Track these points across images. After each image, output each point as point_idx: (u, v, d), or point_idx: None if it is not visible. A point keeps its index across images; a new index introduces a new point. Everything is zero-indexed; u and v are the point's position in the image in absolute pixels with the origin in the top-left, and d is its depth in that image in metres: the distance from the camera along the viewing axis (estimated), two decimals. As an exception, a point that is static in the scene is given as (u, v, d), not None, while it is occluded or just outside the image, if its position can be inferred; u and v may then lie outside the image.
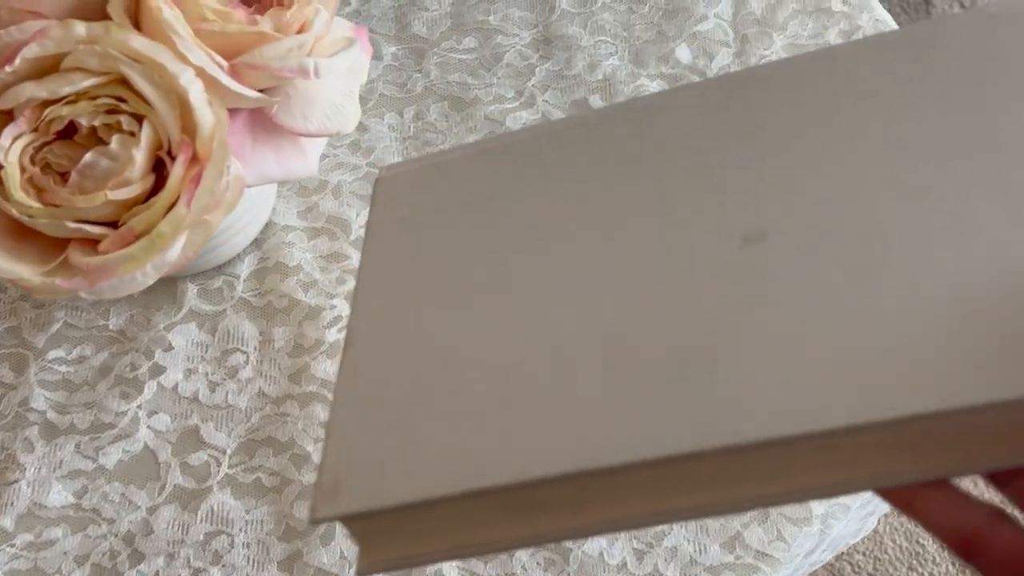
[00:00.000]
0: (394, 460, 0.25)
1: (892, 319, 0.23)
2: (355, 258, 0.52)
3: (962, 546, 0.24)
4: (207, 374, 0.49)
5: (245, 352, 0.50)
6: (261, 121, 0.40)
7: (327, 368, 0.49)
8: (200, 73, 0.35)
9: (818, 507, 0.46)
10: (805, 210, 0.26)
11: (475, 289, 0.28)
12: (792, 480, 0.23)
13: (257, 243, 0.53)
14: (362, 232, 0.53)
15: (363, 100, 0.59)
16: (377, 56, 0.60)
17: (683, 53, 0.61)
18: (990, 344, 0.21)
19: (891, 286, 0.23)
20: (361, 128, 0.57)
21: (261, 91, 0.39)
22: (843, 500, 0.46)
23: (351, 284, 0.51)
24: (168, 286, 0.51)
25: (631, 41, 0.62)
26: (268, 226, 0.53)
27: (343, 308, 0.51)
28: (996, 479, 0.24)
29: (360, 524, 0.25)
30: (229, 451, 0.47)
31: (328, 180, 0.55)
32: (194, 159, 0.36)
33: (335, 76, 0.41)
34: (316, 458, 0.47)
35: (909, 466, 0.22)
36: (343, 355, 0.29)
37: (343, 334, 0.50)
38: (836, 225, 0.25)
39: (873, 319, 0.23)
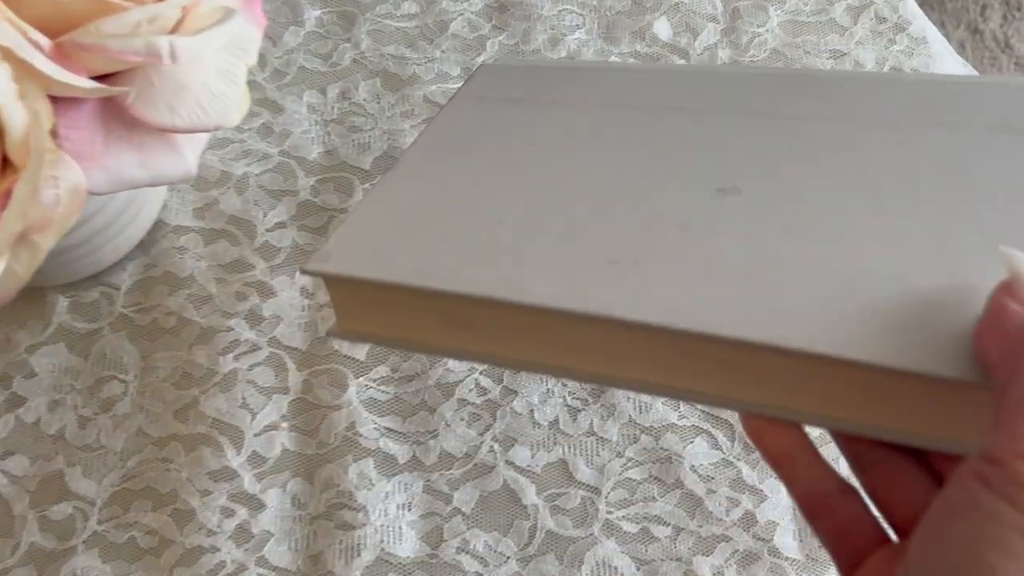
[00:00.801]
0: (378, 250, 0.31)
1: (796, 273, 0.27)
2: (260, 268, 0.44)
3: (809, 505, 0.27)
4: (76, 407, 0.41)
5: (124, 381, 0.41)
6: (117, 113, 0.31)
7: (220, 405, 0.41)
8: (6, 56, 0.26)
9: None
10: (780, 186, 0.31)
11: (504, 163, 0.35)
12: (658, 374, 0.28)
13: (143, 246, 0.44)
14: (269, 237, 0.44)
15: (279, 75, 0.50)
16: (297, 21, 0.51)
17: (662, 28, 0.52)
18: (862, 316, 0.25)
19: (810, 251, 0.28)
20: (274, 108, 0.48)
21: (110, 76, 0.30)
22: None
23: (254, 301, 0.43)
24: (33, 298, 0.43)
25: (601, 12, 0.53)
26: (157, 226, 0.44)
27: (242, 331, 0.42)
28: (858, 465, 0.27)
29: (337, 291, 0.32)
30: (99, 503, 0.39)
31: (231, 172, 0.46)
32: (6, 166, 0.27)
33: (212, 56, 0.32)
34: (201, 516, 0.39)
35: (759, 398, 0.27)
36: (388, 172, 0.36)
37: (240, 362, 0.42)
38: (798, 202, 0.30)
39: (782, 269, 0.28)
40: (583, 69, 0.41)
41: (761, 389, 0.27)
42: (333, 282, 0.32)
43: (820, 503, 0.27)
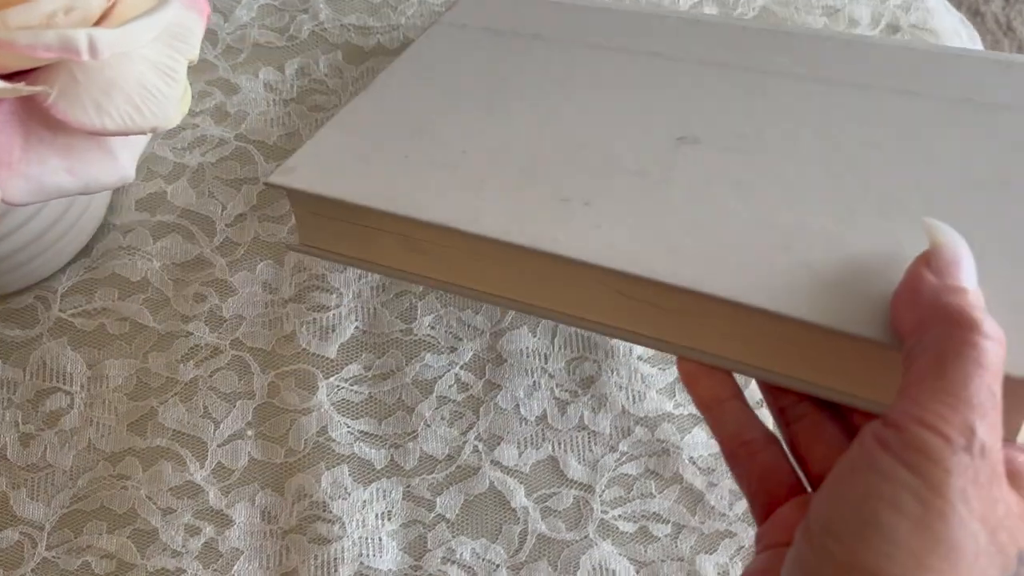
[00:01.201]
0: (341, 168, 0.32)
1: (739, 225, 0.28)
2: (219, 266, 0.41)
3: (732, 450, 0.29)
4: (17, 423, 0.38)
5: (69, 392, 0.38)
6: (38, 115, 0.28)
7: (180, 416, 0.38)
8: None
9: None
10: (739, 139, 0.32)
11: (476, 94, 0.36)
12: (597, 312, 0.30)
13: (86, 247, 0.40)
14: (229, 232, 0.41)
15: (232, 52, 0.46)
16: (249, -6, 0.47)
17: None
18: (794, 271, 0.26)
19: (755, 204, 0.29)
20: (228, 88, 0.45)
21: (28, 72, 0.27)
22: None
23: (213, 301, 0.40)
24: (-32, 306, 0.39)
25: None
26: (104, 227, 0.41)
27: (203, 335, 0.39)
28: (783, 418, 0.29)
29: (299, 206, 0.33)
30: (48, 527, 0.36)
31: (184, 162, 0.42)
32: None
33: (145, 50, 0.28)
34: (164, 536, 0.36)
35: (691, 343, 0.28)
36: (359, 93, 0.37)
37: (201, 369, 0.38)
38: (754, 155, 0.31)
39: (726, 220, 0.29)
40: (569, 5, 0.41)
41: (693, 335, 0.28)
42: (296, 197, 0.33)
43: (742, 449, 0.28)
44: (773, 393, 0.29)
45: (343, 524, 0.36)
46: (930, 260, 0.24)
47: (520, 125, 0.34)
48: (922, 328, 0.22)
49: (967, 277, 0.23)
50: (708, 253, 0.27)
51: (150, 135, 0.30)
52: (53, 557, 0.36)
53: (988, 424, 0.20)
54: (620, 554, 0.36)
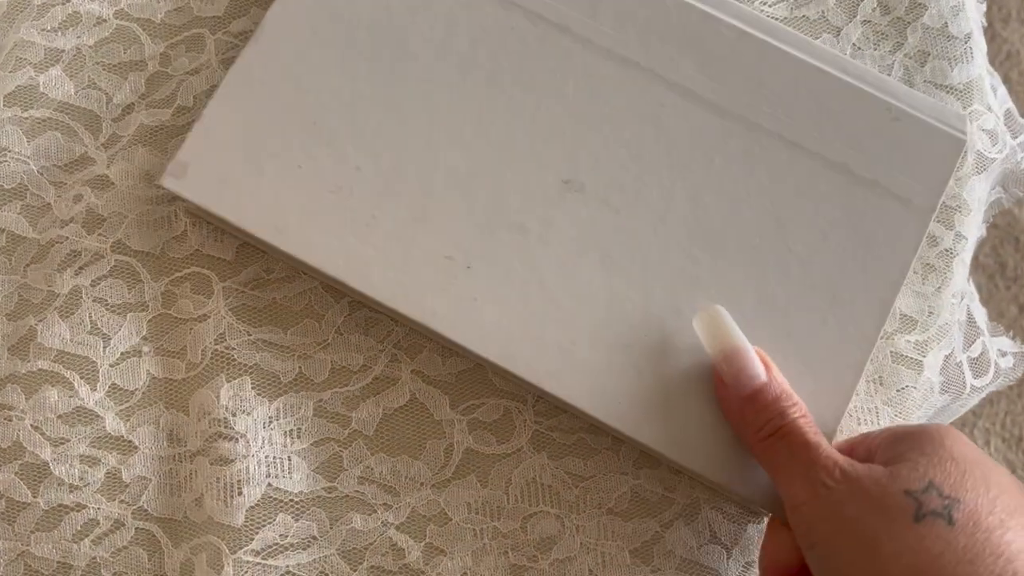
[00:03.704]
0: (234, 178, 0.33)
1: (592, 316, 0.32)
2: (100, 161, 0.36)
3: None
4: (-101, 352, 0.34)
5: (-53, 316, 0.35)
6: None
7: (64, 334, 0.34)
8: None
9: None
10: (623, 189, 0.33)
11: (372, 75, 0.34)
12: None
13: (-43, 151, 0.36)
14: (118, 129, 0.36)
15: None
16: None
17: None
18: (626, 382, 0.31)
19: (614, 283, 0.32)
20: (105, -40, 0.39)
21: None
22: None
23: (90, 200, 0.35)
24: None
25: None
26: (-27, 126, 0.36)
27: (82, 239, 0.35)
28: None
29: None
30: (-61, 461, 0.33)
31: (57, 46, 0.37)
32: None
33: None
34: (57, 469, 0.33)
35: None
36: (235, 62, 0.34)
37: (81, 277, 0.34)
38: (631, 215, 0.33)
39: (584, 304, 0.32)
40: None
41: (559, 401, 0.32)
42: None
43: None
44: None
45: (247, 442, 0.33)
46: (722, 376, 0.30)
47: (416, 136, 0.33)
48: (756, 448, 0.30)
49: (752, 375, 0.30)
50: (563, 350, 0.31)
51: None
52: (-59, 493, 0.33)
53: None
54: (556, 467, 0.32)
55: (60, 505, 0.33)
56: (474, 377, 0.33)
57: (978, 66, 0.37)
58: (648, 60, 0.34)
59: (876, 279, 0.32)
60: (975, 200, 0.36)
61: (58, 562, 0.32)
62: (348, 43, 0.34)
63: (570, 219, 0.32)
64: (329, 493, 0.33)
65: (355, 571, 0.32)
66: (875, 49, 0.38)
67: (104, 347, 0.34)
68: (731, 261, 0.32)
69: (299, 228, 0.32)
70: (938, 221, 0.35)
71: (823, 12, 0.38)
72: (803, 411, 0.29)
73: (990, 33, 0.98)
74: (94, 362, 0.34)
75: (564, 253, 0.32)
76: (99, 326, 0.34)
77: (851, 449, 0.30)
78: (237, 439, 0.33)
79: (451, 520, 0.33)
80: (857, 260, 0.32)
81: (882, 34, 0.38)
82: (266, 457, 0.33)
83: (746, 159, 0.33)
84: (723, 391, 0.30)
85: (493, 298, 0.31)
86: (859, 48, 0.38)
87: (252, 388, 0.33)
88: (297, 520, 0.33)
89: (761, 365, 0.29)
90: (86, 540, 0.33)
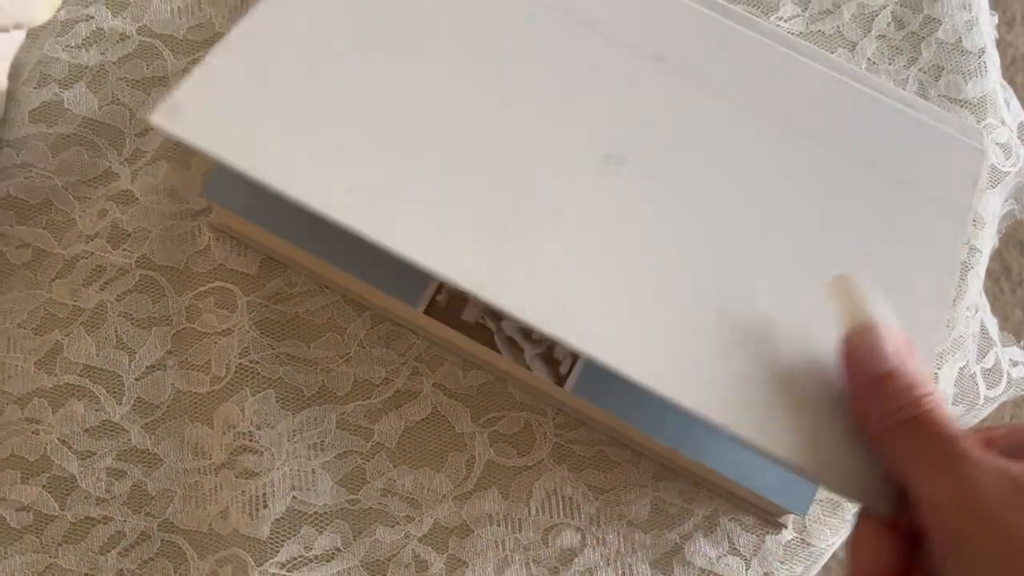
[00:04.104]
0: (229, 120, 0.29)
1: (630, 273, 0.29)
2: (124, 176, 0.36)
3: None
4: (-71, 366, 0.35)
5: (-23, 330, 0.35)
6: None
7: (89, 348, 0.34)
8: None
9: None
10: (667, 162, 0.32)
11: (392, 36, 0.31)
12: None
13: (-16, 168, 0.37)
14: (141, 144, 0.37)
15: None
16: None
17: None
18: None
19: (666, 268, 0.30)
20: (127, -23, 0.39)
21: None
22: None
23: (115, 216, 0.36)
24: None
25: None
26: (-1, 141, 0.37)
27: (107, 254, 0.35)
28: None
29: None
30: (-33, 474, 0.34)
31: (81, 63, 0.38)
32: None
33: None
34: (84, 482, 0.33)
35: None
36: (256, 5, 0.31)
37: (107, 292, 0.35)
38: (679, 181, 0.31)
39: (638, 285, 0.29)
40: None
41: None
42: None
43: None
44: None
45: (272, 455, 0.33)
46: (852, 351, 0.26)
47: (437, 101, 0.31)
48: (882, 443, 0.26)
49: (888, 352, 0.26)
50: (606, 319, 0.28)
51: (15, 32, 0.26)
52: (-30, 505, 0.34)
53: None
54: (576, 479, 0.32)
55: (87, 518, 0.33)
56: (495, 390, 0.34)
57: (992, 80, 0.38)
58: (681, 63, 0.33)
59: (928, 270, 0.31)
60: (990, 214, 0.37)
61: (85, 574, 0.33)
62: (369, 8, 0.32)
63: (613, 194, 0.30)
64: (352, 505, 0.33)
65: (378, 582, 0.33)
66: (890, 63, 0.38)
67: (129, 361, 0.34)
68: (777, 249, 0.30)
69: (316, 182, 0.28)
70: (953, 234, 0.36)
71: (838, 27, 0.38)
72: (943, 400, 0.26)
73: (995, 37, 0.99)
74: (120, 376, 0.34)
75: (607, 226, 0.30)
76: (124, 340, 0.35)
77: (986, 444, 0.27)
78: (262, 452, 0.33)
79: (473, 532, 0.33)
80: (903, 256, 0.31)
81: (897, 49, 0.38)
82: (290, 470, 0.33)
83: (777, 154, 0.32)
84: (853, 367, 0.27)
85: (533, 265, 0.29)
86: (874, 62, 0.38)
87: (276, 401, 0.34)
88: (321, 532, 0.33)
89: (900, 344, 0.26)
90: (112, 552, 0.33)
